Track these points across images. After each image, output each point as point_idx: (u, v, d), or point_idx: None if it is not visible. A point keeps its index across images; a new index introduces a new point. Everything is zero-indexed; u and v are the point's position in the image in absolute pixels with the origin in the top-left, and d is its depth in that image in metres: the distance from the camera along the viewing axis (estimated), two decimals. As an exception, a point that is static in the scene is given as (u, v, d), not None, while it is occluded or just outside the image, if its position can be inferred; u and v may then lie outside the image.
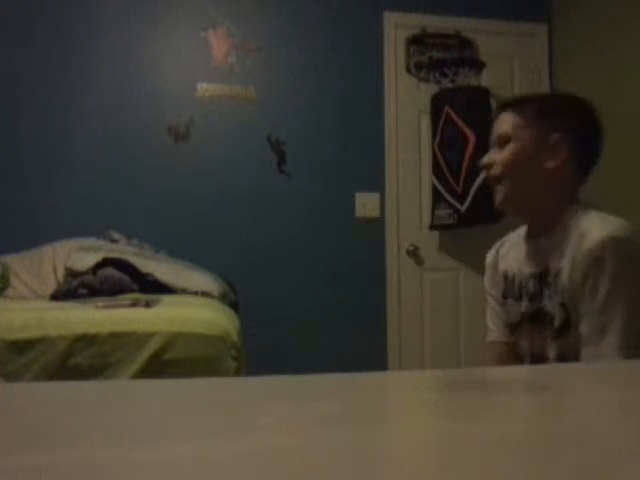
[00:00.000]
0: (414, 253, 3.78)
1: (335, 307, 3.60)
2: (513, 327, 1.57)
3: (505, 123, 1.50)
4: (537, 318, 1.47)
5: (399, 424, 0.51)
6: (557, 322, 1.41)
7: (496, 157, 1.51)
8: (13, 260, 2.95)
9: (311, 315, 3.55)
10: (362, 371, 0.70)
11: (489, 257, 1.69)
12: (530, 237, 1.54)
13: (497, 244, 1.69)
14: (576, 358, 1.36)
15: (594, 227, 1.36)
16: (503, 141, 1.49)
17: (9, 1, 3.43)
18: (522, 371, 0.87)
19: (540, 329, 1.47)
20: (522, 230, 1.61)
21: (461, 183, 3.54)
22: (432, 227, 3.74)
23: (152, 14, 3.57)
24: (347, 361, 3.20)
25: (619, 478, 0.34)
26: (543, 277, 1.45)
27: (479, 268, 3.91)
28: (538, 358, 1.48)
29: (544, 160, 1.46)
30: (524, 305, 1.51)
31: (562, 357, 1.41)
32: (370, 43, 3.80)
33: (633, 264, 1.33)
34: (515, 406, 0.56)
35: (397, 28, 3.84)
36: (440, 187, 3.64)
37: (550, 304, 1.43)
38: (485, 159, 1.54)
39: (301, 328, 3.50)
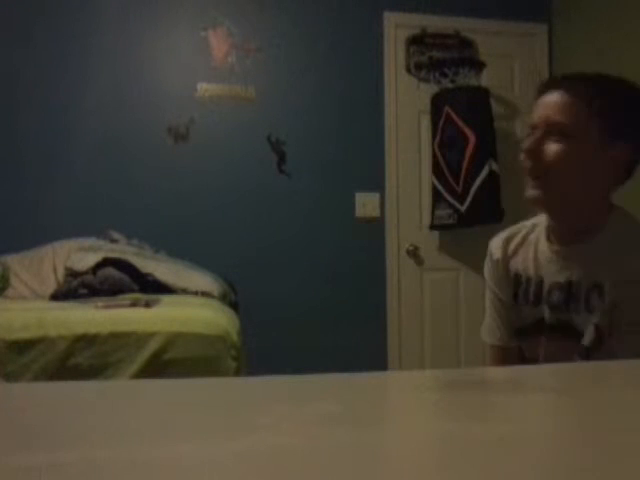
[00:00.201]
0: (414, 253, 3.78)
1: (335, 307, 3.60)
2: (522, 332, 1.43)
3: (564, 109, 1.26)
4: (561, 330, 1.34)
5: (399, 424, 0.51)
6: (587, 340, 1.28)
7: (548, 148, 1.27)
8: (13, 260, 2.95)
9: (311, 315, 3.55)
10: (362, 371, 0.70)
11: (495, 249, 1.48)
12: (559, 242, 1.37)
13: (503, 235, 1.50)
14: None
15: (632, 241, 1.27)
16: (557, 130, 1.26)
17: (9, 1, 3.43)
18: (522, 371, 0.87)
19: (563, 343, 1.33)
20: (539, 229, 1.44)
21: (461, 183, 3.54)
22: (432, 227, 3.74)
23: (152, 14, 3.57)
24: (347, 361, 3.20)
25: (619, 478, 0.34)
26: (572, 289, 1.32)
27: (479, 268, 3.89)
28: None
29: (597, 174, 1.29)
30: (544, 313, 1.37)
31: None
32: (370, 43, 3.80)
33: None
34: (515, 406, 0.56)
35: (397, 28, 3.84)
36: (440, 187, 3.64)
37: (579, 319, 1.30)
38: (530, 144, 1.28)
39: (301, 328, 3.50)
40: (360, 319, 3.62)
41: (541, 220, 1.44)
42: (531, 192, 1.30)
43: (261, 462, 0.37)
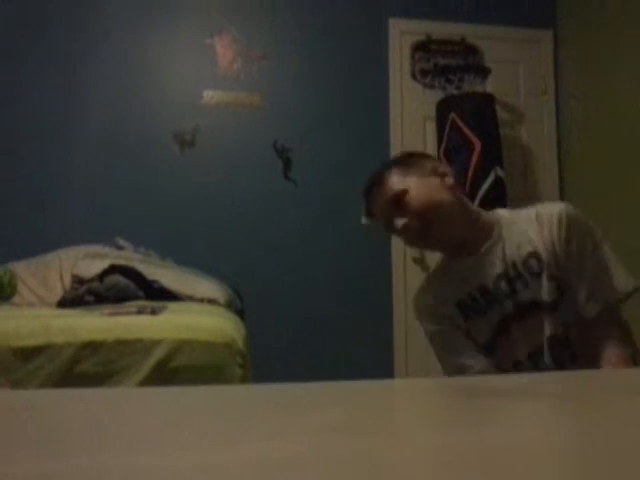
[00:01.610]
0: (420, 260, 3.77)
1: (341, 314, 3.60)
2: (491, 342, 1.54)
3: (384, 194, 1.54)
4: (521, 313, 1.49)
5: (404, 433, 0.51)
6: (548, 297, 1.45)
7: (406, 214, 1.50)
8: (20, 267, 2.96)
9: (318, 322, 3.54)
10: (368, 378, 0.69)
11: (426, 305, 1.62)
12: (465, 255, 1.55)
13: (420, 294, 1.66)
14: (574, 322, 1.45)
15: (542, 208, 1.51)
16: (397, 202, 1.51)
17: (14, 8, 3.45)
18: (528, 378, 0.87)
19: (527, 320, 1.48)
20: (438, 267, 1.66)
21: (467, 189, 3.54)
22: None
23: (157, 21, 3.59)
24: (353, 368, 3.20)
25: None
26: (508, 273, 1.49)
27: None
28: (539, 350, 1.48)
29: (441, 182, 1.53)
30: (499, 310, 1.51)
31: (565, 328, 1.46)
32: (375, 50, 3.81)
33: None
34: (522, 413, 0.56)
35: (402, 35, 3.85)
36: (446, 193, 3.63)
37: (529, 291, 1.47)
38: (399, 222, 1.51)
39: (307, 335, 3.50)
40: (366, 326, 3.61)
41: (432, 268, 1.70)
42: (432, 241, 1.53)
43: (266, 471, 0.37)
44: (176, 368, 1.87)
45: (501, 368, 1.52)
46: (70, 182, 3.41)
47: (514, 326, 1.50)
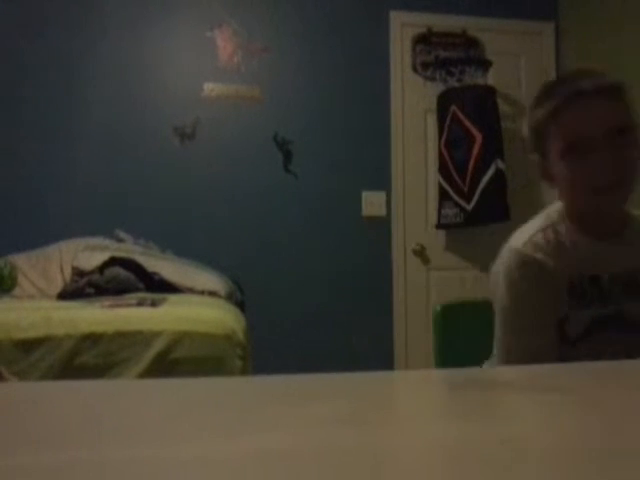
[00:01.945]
0: (420, 252, 3.77)
1: (341, 306, 3.60)
2: (575, 341, 1.32)
3: (612, 111, 1.24)
4: (621, 323, 1.31)
5: (405, 425, 0.51)
6: None
7: (618, 157, 1.23)
8: (21, 259, 2.96)
9: (317, 314, 3.55)
10: (368, 370, 0.70)
11: (538, 262, 1.30)
12: (597, 237, 1.33)
13: (533, 238, 1.34)
14: None
15: None
16: (616, 135, 1.22)
17: (16, 1, 3.44)
18: (529, 370, 0.87)
19: (622, 336, 1.30)
20: (555, 227, 1.36)
21: (468, 182, 3.54)
22: (438, 226, 3.73)
23: (158, 14, 3.58)
24: (353, 360, 3.21)
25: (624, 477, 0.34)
26: (623, 277, 1.31)
27: (486, 267, 3.88)
28: None
29: None
30: (599, 310, 1.31)
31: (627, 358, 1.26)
32: (376, 42, 3.80)
33: None
34: (522, 406, 0.56)
35: (403, 27, 3.84)
36: (446, 186, 3.64)
37: (634, 305, 1.30)
38: (607, 159, 1.22)
39: (307, 327, 3.50)
40: (366, 318, 3.62)
41: (552, 221, 1.38)
42: (612, 203, 1.29)
43: (266, 462, 0.37)
44: (176, 360, 1.87)
45: None
46: (70, 175, 3.41)
47: (606, 333, 1.31)
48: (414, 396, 0.64)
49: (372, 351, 3.48)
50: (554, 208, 1.41)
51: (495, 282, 1.38)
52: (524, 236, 1.35)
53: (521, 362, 1.28)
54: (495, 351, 1.39)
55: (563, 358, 1.29)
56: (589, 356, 1.26)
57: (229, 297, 2.83)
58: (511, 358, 1.32)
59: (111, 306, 2.09)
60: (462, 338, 1.75)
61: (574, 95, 1.24)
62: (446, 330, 1.78)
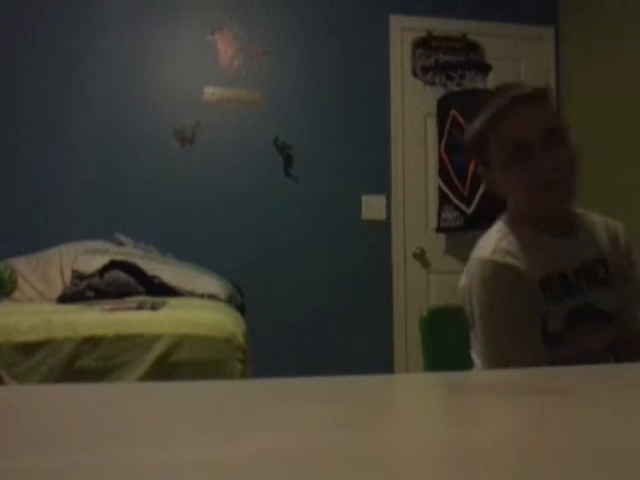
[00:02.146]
0: (420, 256, 3.77)
1: (341, 309, 3.60)
2: (559, 334, 1.36)
3: (545, 116, 1.32)
4: (585, 313, 1.38)
5: (404, 428, 0.51)
6: (609, 308, 1.39)
7: (558, 156, 1.30)
8: (21, 263, 2.96)
9: (317, 317, 3.55)
10: (368, 373, 0.70)
11: (509, 267, 1.35)
12: (555, 235, 1.40)
13: (498, 252, 1.37)
14: (631, 337, 1.40)
15: (607, 218, 1.49)
16: (552, 138, 1.30)
17: (16, 3, 3.45)
18: (527, 374, 0.87)
19: (590, 322, 1.38)
20: (510, 232, 1.42)
21: (467, 186, 3.54)
22: (438, 230, 3.73)
23: (158, 18, 3.58)
24: (353, 363, 3.20)
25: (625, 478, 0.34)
26: (584, 270, 1.40)
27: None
28: (596, 357, 1.36)
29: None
30: (568, 303, 1.36)
31: (615, 344, 1.39)
32: (376, 46, 3.80)
33: None
34: (520, 408, 0.56)
35: (403, 31, 3.84)
36: (446, 190, 3.64)
37: (595, 295, 1.38)
38: (550, 160, 1.29)
39: (307, 330, 3.50)
40: (366, 321, 3.61)
41: (504, 231, 1.45)
42: (559, 201, 1.35)
43: (267, 465, 0.37)
44: (176, 363, 1.87)
45: (569, 361, 1.31)
46: (71, 178, 3.41)
47: (580, 324, 1.37)
48: (413, 399, 0.65)
49: (372, 354, 3.48)
50: (502, 221, 1.49)
51: (467, 297, 1.43)
52: (490, 246, 1.41)
53: (522, 366, 1.28)
54: (479, 363, 1.41)
55: (550, 355, 1.34)
56: (575, 349, 1.35)
57: (229, 300, 2.83)
58: (511, 365, 1.31)
59: (111, 309, 2.09)
60: (450, 342, 1.74)
61: (508, 102, 1.32)
62: (433, 334, 1.79)
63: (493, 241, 1.42)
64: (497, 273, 1.35)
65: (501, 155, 1.34)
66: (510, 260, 1.35)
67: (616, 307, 1.40)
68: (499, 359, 1.35)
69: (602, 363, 1.33)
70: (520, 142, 1.30)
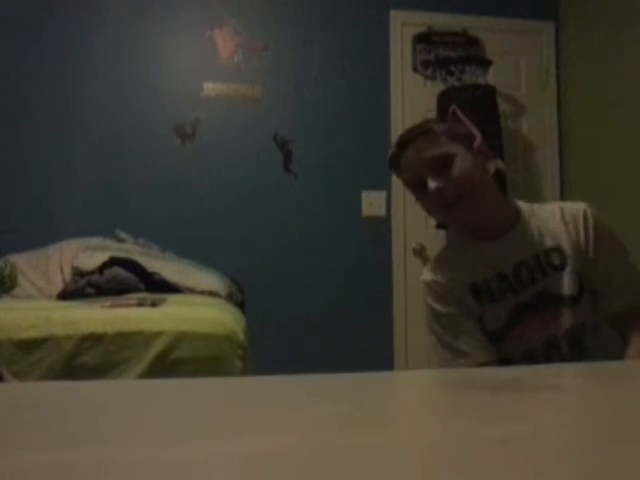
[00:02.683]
0: (420, 252, 3.77)
1: (341, 306, 3.60)
2: (503, 330, 1.52)
3: (429, 148, 1.47)
4: (539, 303, 1.49)
5: (405, 425, 0.51)
6: (569, 291, 1.47)
7: (443, 178, 1.45)
8: (20, 259, 2.96)
9: (317, 314, 3.55)
10: (368, 370, 0.69)
11: (433, 279, 1.56)
12: (489, 239, 1.53)
13: (433, 268, 1.59)
14: (590, 319, 1.50)
15: (565, 205, 1.56)
16: (441, 164, 1.45)
17: (11, 1, 3.44)
18: (527, 371, 0.87)
19: (544, 310, 1.49)
20: (449, 245, 1.65)
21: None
22: (439, 226, 3.73)
23: (158, 13, 3.58)
24: (353, 360, 3.19)
25: (625, 477, 0.34)
26: (528, 263, 1.50)
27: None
28: (556, 341, 1.50)
29: (484, 163, 1.52)
30: (515, 298, 1.50)
31: (583, 323, 1.49)
32: (376, 41, 3.80)
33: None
34: (521, 406, 0.56)
35: (403, 26, 3.84)
36: (446, 186, 3.63)
37: (549, 282, 1.48)
38: (434, 184, 1.44)
39: (307, 327, 3.50)
40: (366, 318, 3.62)
41: (450, 241, 1.65)
42: (461, 216, 1.49)
43: (267, 463, 0.37)
44: (176, 360, 1.87)
45: (509, 357, 1.52)
46: (71, 174, 3.41)
47: (529, 316, 1.50)
48: (414, 396, 0.64)
49: (372, 351, 3.48)
50: (450, 237, 1.70)
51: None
52: (429, 265, 1.61)
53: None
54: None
55: (500, 348, 1.52)
56: (521, 337, 1.50)
57: (229, 297, 2.82)
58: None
59: (111, 306, 2.09)
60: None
61: (396, 151, 1.53)
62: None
63: (433, 259, 1.63)
64: (426, 290, 1.57)
65: (412, 195, 1.55)
66: (434, 276, 1.56)
67: (576, 289, 1.47)
68: (440, 364, 1.59)
69: (539, 357, 1.50)
70: (412, 180, 1.50)
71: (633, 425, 0.47)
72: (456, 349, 1.52)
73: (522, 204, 1.60)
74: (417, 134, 1.51)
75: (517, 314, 1.51)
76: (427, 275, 1.58)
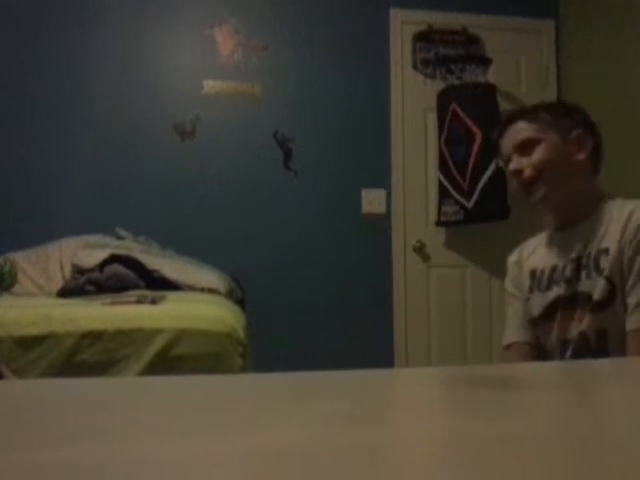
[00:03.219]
0: (420, 250, 3.77)
1: (341, 304, 3.60)
2: (538, 320, 1.61)
3: (523, 130, 1.57)
4: (572, 301, 1.52)
5: (405, 422, 0.51)
6: (597, 296, 1.46)
7: (524, 162, 1.55)
8: (20, 257, 2.96)
9: (317, 312, 3.55)
10: (368, 368, 0.70)
11: (512, 258, 1.72)
12: (561, 229, 1.61)
13: (519, 247, 1.73)
14: (617, 331, 1.45)
15: (637, 208, 1.51)
16: (527, 146, 1.55)
17: (15, 1, 3.44)
18: (529, 368, 0.87)
19: (575, 310, 1.51)
20: (544, 234, 1.69)
21: (467, 180, 3.54)
22: (438, 223, 3.73)
23: (158, 11, 3.57)
24: (353, 357, 3.20)
25: (623, 475, 0.34)
26: (581, 260, 1.52)
27: (486, 265, 3.90)
28: (568, 342, 1.52)
29: (573, 154, 1.56)
30: (556, 291, 1.56)
31: (601, 332, 1.47)
32: (376, 40, 3.79)
33: None
34: (522, 403, 0.56)
35: (403, 25, 3.83)
36: (446, 183, 3.63)
37: (587, 283, 1.49)
38: (514, 165, 1.56)
39: (307, 325, 3.50)
40: (366, 315, 3.62)
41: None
42: (534, 198, 1.56)
43: (266, 460, 0.37)
44: (176, 357, 1.87)
45: (542, 347, 1.62)
46: (70, 173, 3.41)
47: (561, 312, 1.55)
48: (414, 393, 0.65)
49: (372, 347, 3.48)
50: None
51: None
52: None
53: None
54: None
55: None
56: (547, 332, 1.58)
57: (229, 294, 2.83)
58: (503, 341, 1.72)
59: (111, 304, 2.09)
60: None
61: (503, 124, 1.65)
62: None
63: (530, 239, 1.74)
64: (507, 269, 1.74)
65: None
66: (514, 257, 1.71)
67: (604, 296, 1.46)
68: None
69: (553, 355, 1.56)
70: (504, 157, 1.63)
71: (636, 425, 0.47)
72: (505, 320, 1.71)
73: (611, 197, 1.60)
74: (521, 115, 1.61)
75: (552, 308, 1.57)
76: (511, 256, 1.74)
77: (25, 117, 3.41)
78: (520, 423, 0.47)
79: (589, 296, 1.48)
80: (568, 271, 1.53)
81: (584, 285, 1.50)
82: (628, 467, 0.35)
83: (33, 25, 3.44)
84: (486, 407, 0.54)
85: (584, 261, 1.51)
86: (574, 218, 1.58)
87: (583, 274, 1.50)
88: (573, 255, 1.54)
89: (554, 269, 1.57)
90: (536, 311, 1.60)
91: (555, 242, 1.62)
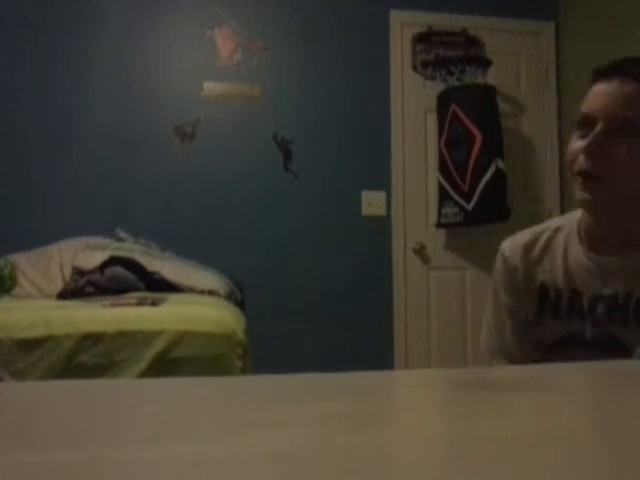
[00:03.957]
0: (420, 251, 3.77)
1: (341, 305, 3.60)
2: (551, 347, 1.26)
3: (630, 100, 1.10)
4: (604, 345, 1.19)
5: (405, 424, 0.51)
6: (633, 344, 1.15)
7: (614, 148, 1.09)
8: (20, 259, 2.96)
9: (317, 314, 3.55)
10: (368, 370, 0.70)
11: (513, 255, 1.29)
12: (598, 251, 1.20)
13: (521, 239, 1.30)
14: None
15: None
16: (620, 126, 1.09)
17: (13, 3, 3.44)
18: (529, 371, 0.87)
19: (599, 355, 1.17)
20: (565, 233, 1.27)
21: (467, 181, 3.53)
22: (438, 225, 3.73)
23: (158, 13, 3.57)
24: (353, 359, 3.21)
25: (627, 478, 0.34)
26: (618, 301, 1.18)
27: (486, 267, 3.88)
28: None
29: None
30: (583, 328, 1.22)
31: None
32: (376, 41, 3.79)
33: None
34: (522, 405, 0.56)
35: (403, 26, 3.84)
36: (446, 185, 3.63)
37: (625, 330, 1.17)
38: (592, 141, 1.10)
39: (307, 327, 3.50)
40: (366, 318, 3.62)
41: (566, 223, 1.27)
42: (585, 194, 1.11)
43: (267, 462, 0.37)
44: (176, 359, 1.87)
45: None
46: (71, 174, 3.41)
47: (578, 355, 1.22)
48: (414, 395, 0.64)
49: (372, 350, 3.48)
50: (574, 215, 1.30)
51: None
52: (516, 235, 1.33)
53: (483, 353, 1.42)
54: None
55: (538, 361, 1.26)
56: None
57: (229, 296, 2.83)
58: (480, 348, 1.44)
59: (111, 305, 2.09)
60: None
61: (603, 68, 1.19)
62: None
63: (527, 231, 1.31)
64: (498, 266, 1.34)
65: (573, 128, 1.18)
66: (514, 258, 1.29)
67: (634, 340, 1.16)
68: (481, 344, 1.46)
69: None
70: (585, 115, 1.16)
71: (636, 426, 0.47)
72: (486, 324, 1.40)
73: None
74: (630, 68, 1.18)
75: (568, 345, 1.24)
76: (505, 249, 1.32)
77: (25, 119, 3.41)
78: (521, 425, 0.47)
79: (624, 347, 1.16)
80: (599, 310, 1.19)
81: (619, 332, 1.17)
82: (628, 467, 0.35)
83: (33, 27, 3.44)
84: (486, 409, 0.54)
85: (621, 303, 1.17)
86: (616, 247, 1.18)
87: (617, 318, 1.17)
88: (606, 292, 1.18)
89: (575, 296, 1.22)
90: (552, 337, 1.26)
91: (578, 262, 1.22)
